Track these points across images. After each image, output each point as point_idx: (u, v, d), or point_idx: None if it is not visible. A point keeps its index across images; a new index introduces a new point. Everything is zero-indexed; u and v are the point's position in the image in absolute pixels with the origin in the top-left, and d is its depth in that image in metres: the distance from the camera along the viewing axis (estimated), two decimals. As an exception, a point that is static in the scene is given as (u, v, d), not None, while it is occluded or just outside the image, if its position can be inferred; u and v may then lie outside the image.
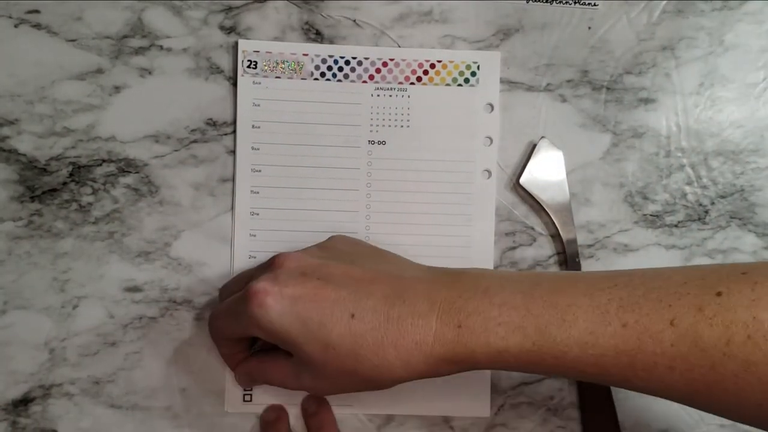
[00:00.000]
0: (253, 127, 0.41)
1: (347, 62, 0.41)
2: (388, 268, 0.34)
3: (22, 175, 0.40)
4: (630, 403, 0.42)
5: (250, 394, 0.41)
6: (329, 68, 0.41)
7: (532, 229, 0.42)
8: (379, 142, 0.41)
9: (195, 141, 0.41)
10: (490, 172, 0.42)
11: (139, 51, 0.41)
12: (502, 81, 0.42)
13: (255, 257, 0.41)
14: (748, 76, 0.43)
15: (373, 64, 0.41)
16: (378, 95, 0.41)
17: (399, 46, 0.41)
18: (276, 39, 0.41)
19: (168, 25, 0.41)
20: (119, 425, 0.41)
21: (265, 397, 0.41)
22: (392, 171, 0.41)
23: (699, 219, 0.43)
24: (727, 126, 0.43)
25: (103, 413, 0.40)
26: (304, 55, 0.41)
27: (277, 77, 0.41)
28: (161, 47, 0.41)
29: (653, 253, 0.42)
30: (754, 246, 0.43)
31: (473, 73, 0.41)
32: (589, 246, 0.42)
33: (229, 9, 0.41)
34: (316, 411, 0.40)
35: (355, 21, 0.41)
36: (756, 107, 0.43)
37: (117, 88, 0.40)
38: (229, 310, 0.34)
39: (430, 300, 0.31)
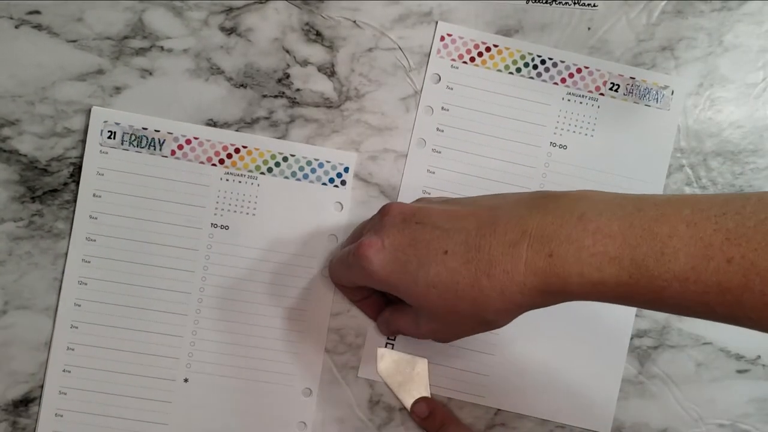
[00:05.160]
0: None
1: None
2: (491, 201, 0.33)
3: (23, 175, 0.40)
4: (630, 402, 0.42)
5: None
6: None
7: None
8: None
9: (195, 141, 0.41)
10: None
11: (140, 52, 0.41)
12: (501, 81, 0.42)
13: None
14: (748, 76, 0.43)
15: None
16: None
17: (399, 47, 0.42)
18: (276, 40, 0.41)
19: (168, 25, 0.41)
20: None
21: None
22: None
23: (699, 219, 0.43)
24: (726, 126, 0.43)
25: (103, 413, 0.40)
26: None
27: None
28: (162, 48, 0.41)
29: (653, 253, 0.42)
30: (753, 246, 0.43)
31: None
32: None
33: (230, 10, 0.41)
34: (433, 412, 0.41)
35: (355, 22, 0.41)
36: (755, 107, 0.43)
37: (118, 89, 0.41)
38: (341, 261, 0.37)
39: (521, 228, 0.29)
